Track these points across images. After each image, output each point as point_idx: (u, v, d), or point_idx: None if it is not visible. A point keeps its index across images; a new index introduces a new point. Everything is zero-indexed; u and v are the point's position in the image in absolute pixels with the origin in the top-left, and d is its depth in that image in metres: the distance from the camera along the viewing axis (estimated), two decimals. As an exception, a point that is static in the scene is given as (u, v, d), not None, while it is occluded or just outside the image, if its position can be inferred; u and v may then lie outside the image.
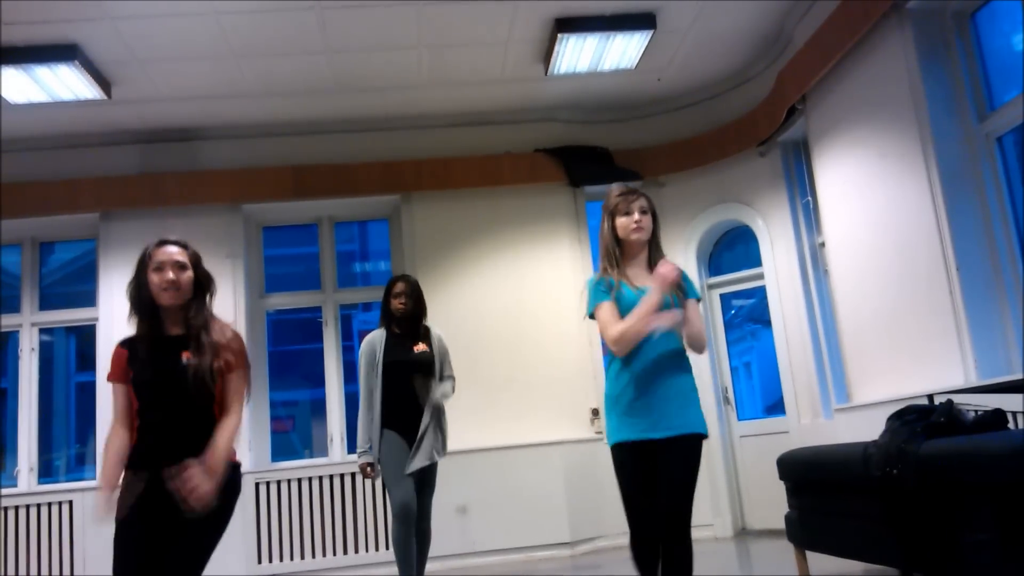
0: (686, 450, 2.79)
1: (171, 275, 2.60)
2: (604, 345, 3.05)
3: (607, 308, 2.84)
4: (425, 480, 4.10)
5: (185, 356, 2.57)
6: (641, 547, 2.78)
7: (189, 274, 2.65)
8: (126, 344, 2.65)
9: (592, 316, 2.92)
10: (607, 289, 2.88)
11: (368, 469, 4.10)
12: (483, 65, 6.07)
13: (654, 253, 2.99)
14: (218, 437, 2.55)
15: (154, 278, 2.60)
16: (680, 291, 2.89)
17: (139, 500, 2.50)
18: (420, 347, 4.22)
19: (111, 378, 2.64)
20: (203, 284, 2.70)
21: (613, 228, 2.96)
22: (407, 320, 4.26)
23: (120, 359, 2.63)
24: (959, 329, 4.30)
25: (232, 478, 2.62)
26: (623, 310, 2.83)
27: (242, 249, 6.53)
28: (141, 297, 2.63)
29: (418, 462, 4.02)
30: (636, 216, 2.92)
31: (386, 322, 4.31)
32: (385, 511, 6.08)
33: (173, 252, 2.64)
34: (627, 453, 2.81)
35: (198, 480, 2.42)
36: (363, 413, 4.16)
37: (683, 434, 2.78)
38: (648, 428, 2.77)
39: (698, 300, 2.98)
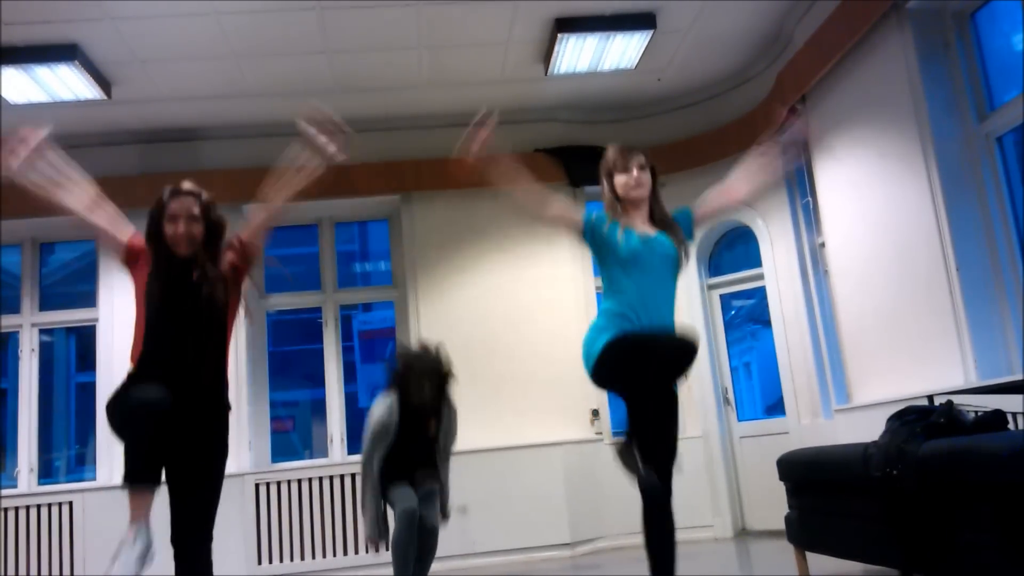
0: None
1: (183, 228, 2.69)
2: (601, 276, 3.03)
3: (572, 205, 2.96)
4: (429, 498, 4.03)
5: (194, 275, 2.68)
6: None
7: (201, 225, 2.74)
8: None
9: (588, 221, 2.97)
10: (602, 222, 2.91)
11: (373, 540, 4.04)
12: (483, 65, 6.07)
13: (656, 207, 2.95)
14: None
15: (167, 228, 2.70)
16: (676, 233, 2.92)
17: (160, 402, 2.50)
18: (432, 426, 3.94)
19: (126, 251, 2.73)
20: (216, 230, 2.72)
21: (612, 188, 2.94)
22: (426, 412, 3.88)
23: (142, 250, 2.73)
24: (959, 329, 4.30)
25: (224, 401, 2.78)
26: (627, 255, 2.83)
27: (242, 249, 6.52)
28: (154, 242, 2.73)
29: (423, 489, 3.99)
30: (635, 173, 2.90)
31: (402, 395, 3.87)
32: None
33: (187, 204, 2.72)
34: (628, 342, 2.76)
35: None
36: (368, 491, 3.99)
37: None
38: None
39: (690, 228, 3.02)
